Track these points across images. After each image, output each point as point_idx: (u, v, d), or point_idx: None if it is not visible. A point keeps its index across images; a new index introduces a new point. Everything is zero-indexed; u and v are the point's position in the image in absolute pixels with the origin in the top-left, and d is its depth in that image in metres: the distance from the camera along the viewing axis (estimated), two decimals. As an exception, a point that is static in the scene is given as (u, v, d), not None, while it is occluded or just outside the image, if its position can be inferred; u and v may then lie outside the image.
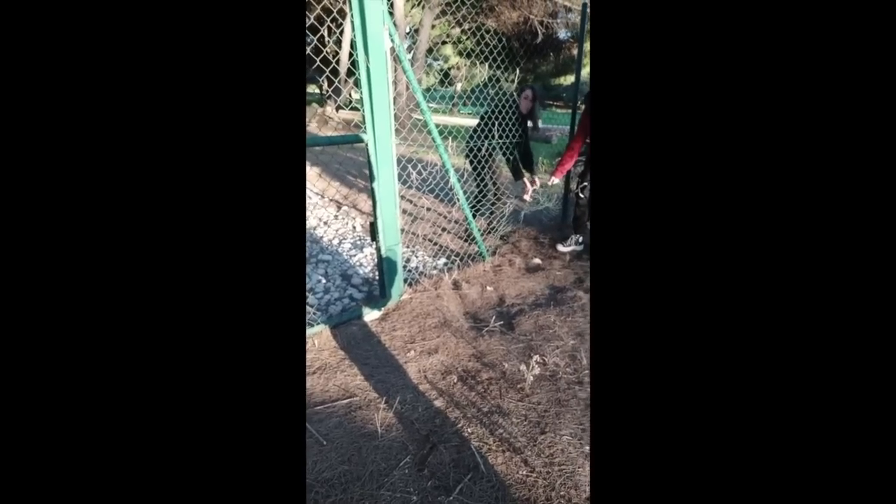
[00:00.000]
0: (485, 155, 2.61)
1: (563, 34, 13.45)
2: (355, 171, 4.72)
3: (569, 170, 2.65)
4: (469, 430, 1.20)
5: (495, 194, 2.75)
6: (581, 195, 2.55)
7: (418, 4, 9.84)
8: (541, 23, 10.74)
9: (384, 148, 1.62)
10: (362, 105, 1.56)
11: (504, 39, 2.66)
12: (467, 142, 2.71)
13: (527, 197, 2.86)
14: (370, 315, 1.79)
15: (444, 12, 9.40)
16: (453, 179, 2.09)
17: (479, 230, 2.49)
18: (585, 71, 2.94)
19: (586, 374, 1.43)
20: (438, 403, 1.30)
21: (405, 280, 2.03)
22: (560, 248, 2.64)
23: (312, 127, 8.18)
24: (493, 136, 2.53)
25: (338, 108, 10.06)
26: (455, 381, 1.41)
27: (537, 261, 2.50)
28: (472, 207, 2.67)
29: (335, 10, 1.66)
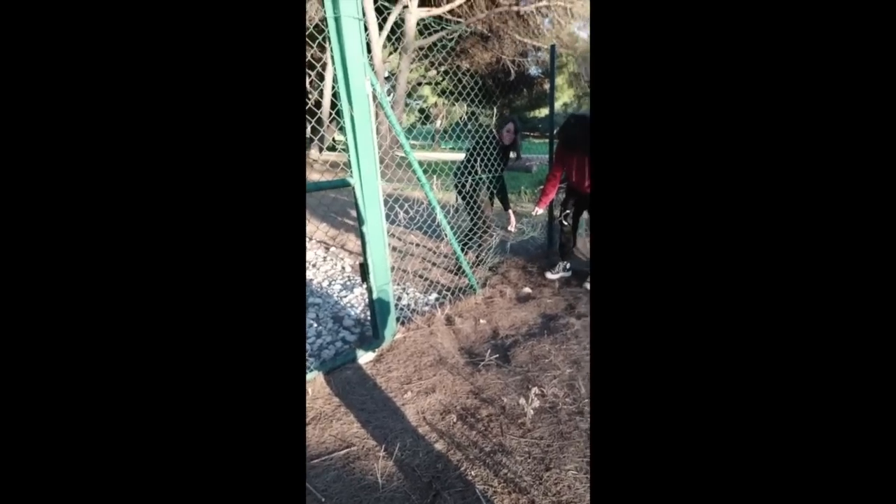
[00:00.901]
0: (469, 190, 2.69)
1: (534, 71, 14.21)
2: (341, 212, 4.76)
3: (552, 199, 2.73)
4: (473, 472, 1.16)
5: (482, 227, 2.81)
6: (565, 222, 2.61)
7: (395, 51, 10.35)
8: (512, 62, 11.36)
9: (371, 190, 1.66)
10: (348, 151, 1.61)
11: (479, 78, 2.80)
12: (454, 177, 2.80)
13: (511, 228, 2.92)
14: (364, 357, 1.76)
15: (420, 57, 9.90)
16: (440, 216, 2.13)
17: (469, 263, 2.51)
18: (558, 103, 3.09)
19: (586, 404, 1.42)
20: (439, 446, 1.26)
21: (397, 318, 2.02)
22: (549, 275, 2.67)
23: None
24: (475, 171, 2.61)
25: (320, 150, 10.27)
26: (455, 420, 1.38)
27: (527, 290, 2.51)
28: (461, 242, 2.72)
29: (318, 65, 1.74)
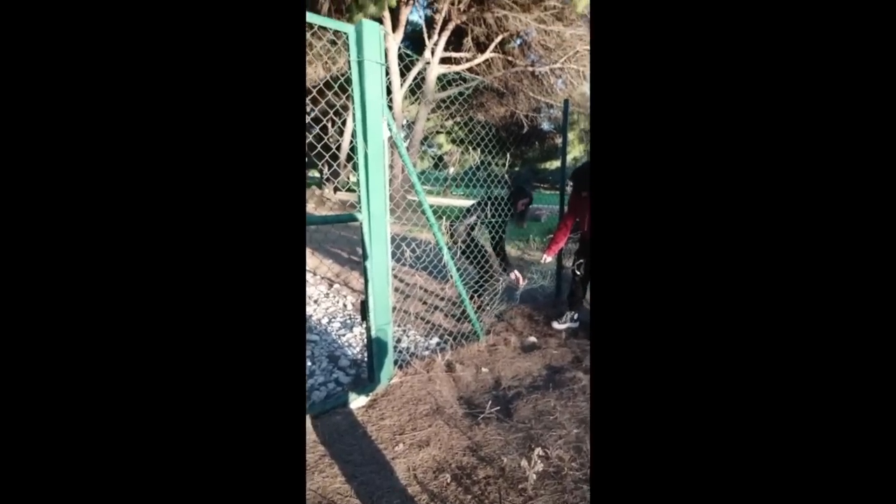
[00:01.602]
0: (467, 239, 2.69)
1: (546, 126, 14.83)
2: (348, 250, 4.77)
3: (561, 248, 2.70)
4: (465, 545, 1.03)
5: (487, 273, 2.77)
6: (578, 272, 2.56)
7: (415, 101, 10.93)
8: (526, 116, 11.87)
9: (378, 226, 1.65)
10: (359, 186, 1.61)
11: (493, 130, 2.89)
12: (455, 219, 2.82)
13: (521, 285, 2.88)
14: (357, 402, 1.66)
15: (438, 107, 10.43)
16: (447, 257, 2.10)
17: (474, 308, 2.44)
18: (569, 157, 3.16)
19: (594, 471, 1.28)
20: (429, 510, 1.14)
21: (395, 362, 1.93)
22: (555, 325, 2.57)
23: (310, 207, 8.50)
24: (482, 219, 2.63)
25: (335, 189, 10.56)
26: (448, 480, 1.25)
27: (533, 339, 2.41)
28: (470, 289, 2.68)
29: (338, 104, 1.80)
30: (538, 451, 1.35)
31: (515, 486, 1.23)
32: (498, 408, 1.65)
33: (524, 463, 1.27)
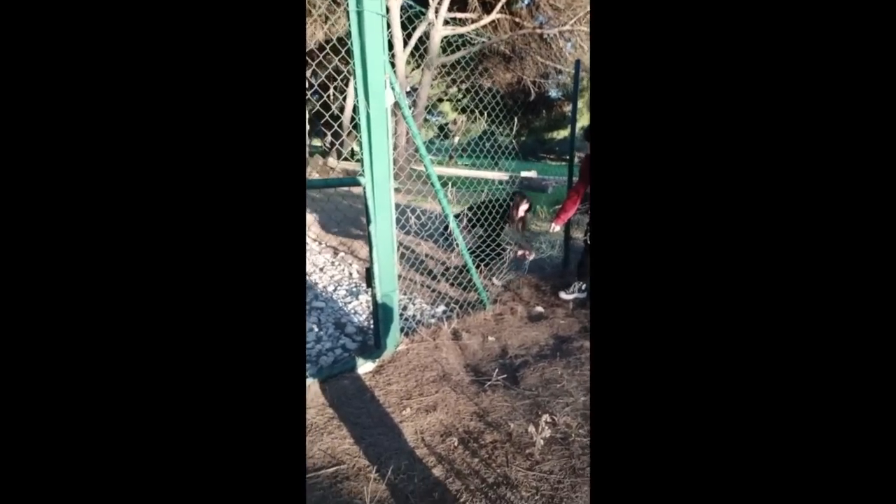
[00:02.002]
0: (486, 202, 2.65)
1: (554, 93, 14.29)
2: (355, 220, 4.72)
3: (570, 217, 2.63)
4: (473, 506, 1.04)
5: (495, 241, 2.74)
6: (590, 242, 2.51)
7: (418, 67, 10.52)
8: (533, 83, 11.42)
9: (382, 191, 1.59)
10: (361, 149, 1.54)
11: (499, 97, 2.77)
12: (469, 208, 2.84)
13: (529, 257, 2.86)
14: (364, 367, 1.66)
15: (441, 72, 10.06)
16: (453, 225, 2.05)
17: (480, 277, 2.41)
18: (578, 125, 3.04)
19: (602, 436, 1.28)
20: (437, 472, 1.14)
21: (402, 329, 1.92)
22: (563, 295, 2.55)
23: (314, 177, 8.39)
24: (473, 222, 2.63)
25: (343, 158, 10.38)
26: (455, 444, 1.26)
27: (540, 309, 2.39)
28: (477, 256, 2.67)
29: (345, 70, 1.70)
30: (545, 417, 1.35)
31: (522, 450, 1.23)
32: (505, 375, 1.64)
33: (531, 429, 1.27)
